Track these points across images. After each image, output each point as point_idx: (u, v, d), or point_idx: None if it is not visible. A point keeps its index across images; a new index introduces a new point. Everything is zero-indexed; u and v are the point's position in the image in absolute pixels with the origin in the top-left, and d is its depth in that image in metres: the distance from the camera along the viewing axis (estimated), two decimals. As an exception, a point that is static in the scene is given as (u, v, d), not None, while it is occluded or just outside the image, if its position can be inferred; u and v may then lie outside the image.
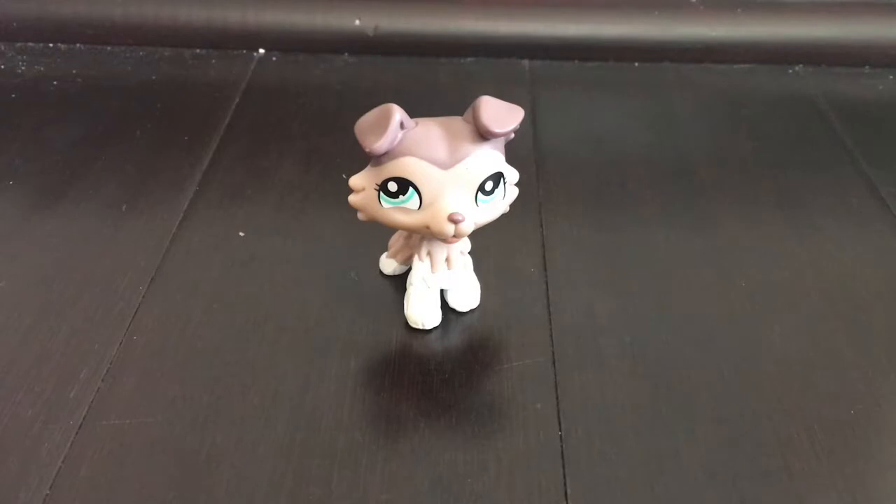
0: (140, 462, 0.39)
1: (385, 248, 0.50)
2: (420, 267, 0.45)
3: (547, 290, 0.50)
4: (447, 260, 0.45)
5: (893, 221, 0.56)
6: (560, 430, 0.41)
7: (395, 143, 0.40)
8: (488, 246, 0.50)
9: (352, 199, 0.43)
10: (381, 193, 0.41)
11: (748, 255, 0.53)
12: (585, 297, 0.49)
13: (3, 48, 0.76)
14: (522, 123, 0.41)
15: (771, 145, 0.65)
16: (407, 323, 0.47)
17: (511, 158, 0.43)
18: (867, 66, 0.76)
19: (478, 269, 0.48)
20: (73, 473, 0.39)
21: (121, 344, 0.45)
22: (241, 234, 0.54)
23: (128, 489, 0.38)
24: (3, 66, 0.73)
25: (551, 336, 0.46)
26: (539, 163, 0.61)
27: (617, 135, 0.66)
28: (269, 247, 0.53)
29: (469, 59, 0.76)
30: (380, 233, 0.47)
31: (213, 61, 0.75)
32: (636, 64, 0.76)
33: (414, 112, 0.41)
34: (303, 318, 0.47)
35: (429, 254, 0.45)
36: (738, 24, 0.75)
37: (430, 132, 0.40)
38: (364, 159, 0.41)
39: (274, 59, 0.76)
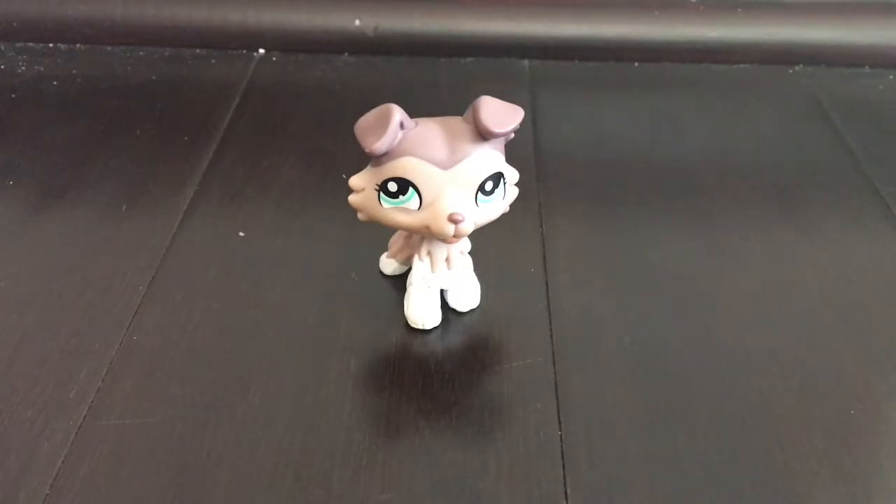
0: (140, 462, 0.39)
1: (385, 248, 0.50)
2: (420, 267, 0.45)
3: (547, 290, 0.50)
4: (447, 260, 0.45)
5: (893, 221, 0.56)
6: (560, 430, 0.41)
7: (395, 143, 0.40)
8: (488, 246, 0.50)
9: (352, 199, 0.43)
10: (381, 193, 0.41)
11: (748, 255, 0.53)
12: (585, 297, 0.49)
13: (3, 48, 0.76)
14: (522, 123, 0.41)
15: (771, 145, 0.65)
16: (407, 323, 0.46)
17: (511, 158, 0.43)
18: (867, 66, 0.76)
19: (478, 269, 0.48)
20: (73, 473, 0.39)
21: (121, 344, 0.45)
22: (241, 234, 0.54)
23: (128, 489, 0.38)
24: (3, 66, 0.73)
25: (551, 336, 0.46)
26: (539, 163, 0.61)
27: (617, 135, 0.66)
28: (269, 247, 0.53)
29: (469, 59, 0.76)
30: (380, 233, 0.47)
31: (213, 61, 0.75)
32: (636, 64, 0.76)
33: (414, 112, 0.41)
34: (303, 318, 0.47)
35: (429, 254, 0.45)
36: (738, 24, 0.75)
37: (430, 132, 0.40)
38: (364, 159, 0.41)
39: (274, 59, 0.76)
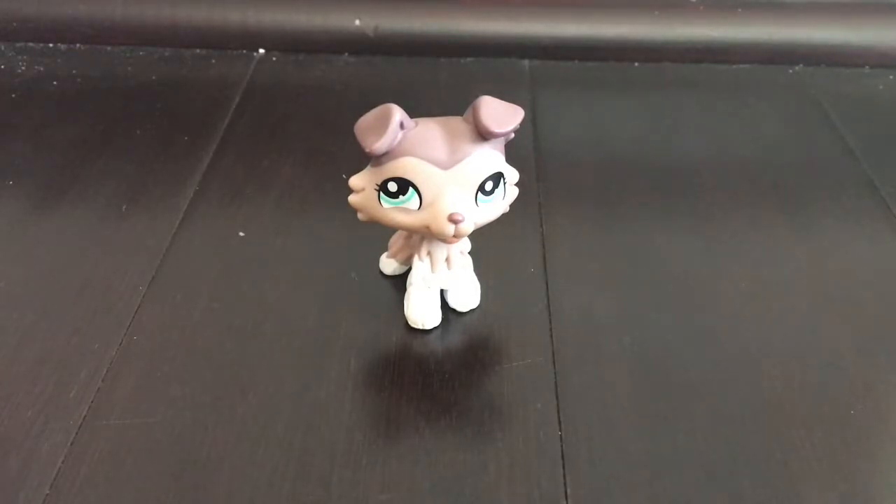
0: (140, 462, 0.39)
1: (385, 248, 0.50)
2: (420, 267, 0.45)
3: (547, 290, 0.50)
4: (447, 260, 0.45)
5: (893, 221, 0.56)
6: (560, 430, 0.41)
7: (395, 143, 0.40)
8: (488, 246, 0.50)
9: (352, 199, 0.43)
10: (381, 193, 0.41)
11: (748, 255, 0.53)
12: (585, 297, 0.49)
13: (3, 48, 0.76)
14: (522, 123, 0.41)
15: (771, 145, 0.65)
16: (407, 323, 0.46)
17: (511, 158, 0.43)
18: (867, 66, 0.76)
19: (478, 269, 0.48)
20: (73, 473, 0.39)
21: (121, 344, 0.45)
22: (241, 234, 0.54)
23: (128, 489, 0.38)
24: (3, 66, 0.73)
25: (551, 336, 0.46)
26: (539, 163, 0.61)
27: (617, 135, 0.66)
28: (269, 247, 0.53)
29: (469, 59, 0.76)
30: (380, 233, 0.47)
31: (213, 61, 0.75)
32: (636, 64, 0.76)
33: (414, 112, 0.41)
34: (303, 318, 0.47)
35: (429, 254, 0.45)
36: (738, 24, 0.75)
37: (430, 132, 0.40)
38: (364, 159, 0.41)
39: (274, 59, 0.76)
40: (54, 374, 0.43)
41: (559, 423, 0.41)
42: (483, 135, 0.40)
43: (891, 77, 0.74)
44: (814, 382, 0.44)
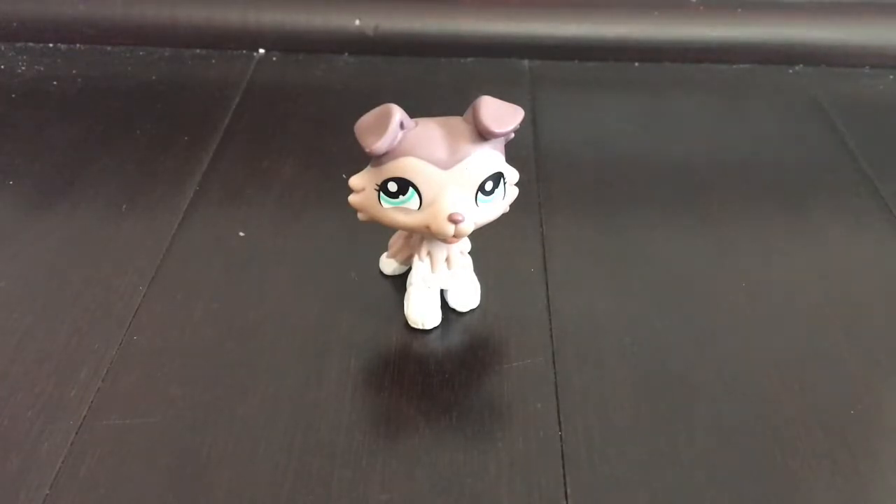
0: (140, 462, 0.39)
1: (385, 248, 0.50)
2: (420, 267, 0.45)
3: (547, 290, 0.50)
4: (447, 260, 0.45)
5: (893, 221, 0.56)
6: (560, 430, 0.41)
7: (395, 143, 0.40)
8: (488, 246, 0.50)
9: (352, 199, 0.43)
10: (381, 193, 0.41)
11: (748, 255, 0.53)
12: (585, 297, 0.49)
13: (3, 48, 0.76)
14: (522, 123, 0.41)
15: (771, 145, 0.65)
16: (407, 323, 0.47)
17: (511, 158, 0.43)
18: (867, 66, 0.76)
19: (478, 269, 0.48)
20: (73, 473, 0.39)
21: (121, 344, 0.45)
22: (241, 234, 0.54)
23: (128, 489, 0.38)
24: (3, 66, 0.73)
25: (551, 336, 0.46)
26: (539, 163, 0.61)
27: (617, 135, 0.66)
28: (269, 247, 0.53)
29: (469, 59, 0.76)
30: (380, 233, 0.47)
31: (213, 61, 0.75)
32: (636, 64, 0.76)
33: (414, 112, 0.41)
34: (303, 318, 0.47)
35: (429, 254, 0.45)
36: (738, 24, 0.75)
37: (430, 132, 0.40)
38: (364, 159, 0.41)
39: (274, 59, 0.76)
40: (54, 374, 0.43)
41: (559, 423, 0.41)
42: (483, 135, 0.40)
43: (891, 77, 0.74)
44: (814, 382, 0.44)
